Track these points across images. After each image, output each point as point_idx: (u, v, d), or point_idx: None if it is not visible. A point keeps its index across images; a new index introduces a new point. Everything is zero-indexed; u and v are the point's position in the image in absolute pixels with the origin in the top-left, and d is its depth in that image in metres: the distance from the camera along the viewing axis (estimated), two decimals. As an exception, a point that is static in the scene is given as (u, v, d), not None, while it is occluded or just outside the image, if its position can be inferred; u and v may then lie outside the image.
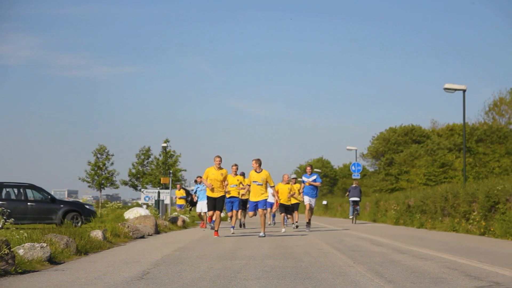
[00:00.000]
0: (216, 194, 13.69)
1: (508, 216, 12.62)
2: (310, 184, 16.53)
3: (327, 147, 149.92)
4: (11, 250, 6.92)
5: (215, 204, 13.74)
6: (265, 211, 14.36)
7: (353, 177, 35.48)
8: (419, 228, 18.73)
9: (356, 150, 36.48)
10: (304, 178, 16.81)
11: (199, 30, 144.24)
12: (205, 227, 19.93)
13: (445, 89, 18.10)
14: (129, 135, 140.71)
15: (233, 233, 15.03)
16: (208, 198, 13.91)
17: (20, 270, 6.94)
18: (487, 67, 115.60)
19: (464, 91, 18.16)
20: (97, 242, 10.92)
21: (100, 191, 39.51)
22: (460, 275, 6.45)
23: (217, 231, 14.03)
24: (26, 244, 7.83)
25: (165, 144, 36.02)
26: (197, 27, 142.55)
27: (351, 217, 24.79)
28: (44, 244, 8.01)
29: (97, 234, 11.48)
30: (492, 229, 13.33)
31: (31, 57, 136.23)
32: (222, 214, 20.90)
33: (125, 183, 41.81)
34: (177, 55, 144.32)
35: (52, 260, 8.06)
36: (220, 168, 13.74)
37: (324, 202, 49.36)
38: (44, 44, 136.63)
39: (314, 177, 16.62)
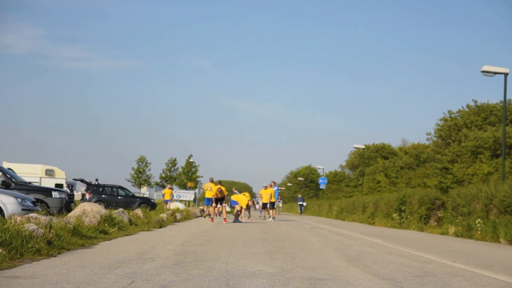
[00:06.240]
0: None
1: (367, 213, 27.91)
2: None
3: (319, 153, 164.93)
4: (175, 214, 22.13)
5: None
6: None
7: (320, 187, 51.06)
8: (342, 220, 33.93)
9: (323, 168, 51.84)
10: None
11: (202, 27, 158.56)
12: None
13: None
14: (127, 128, 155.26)
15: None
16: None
17: (178, 222, 22.11)
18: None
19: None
20: (184, 216, 25.97)
21: (140, 188, 54.86)
22: (316, 228, 21.63)
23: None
24: (177, 213, 22.99)
25: (192, 160, 51.44)
26: (200, 24, 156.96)
27: (300, 212, 46.10)
28: (179, 214, 23.18)
29: (183, 213, 26.55)
30: (366, 219, 28.66)
31: (33, 47, 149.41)
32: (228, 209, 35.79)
33: (157, 184, 57.18)
34: (178, 51, 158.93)
35: (182, 220, 23.19)
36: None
37: (304, 204, 64.61)
38: (45, 35, 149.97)
39: (275, 188, 30.98)
